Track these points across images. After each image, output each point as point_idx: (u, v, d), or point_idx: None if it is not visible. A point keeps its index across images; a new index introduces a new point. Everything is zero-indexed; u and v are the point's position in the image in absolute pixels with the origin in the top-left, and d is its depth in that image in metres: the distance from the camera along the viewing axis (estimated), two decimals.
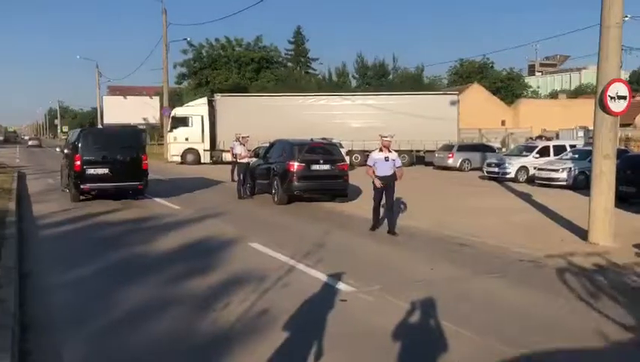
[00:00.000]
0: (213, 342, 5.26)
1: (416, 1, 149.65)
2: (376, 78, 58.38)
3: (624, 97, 9.73)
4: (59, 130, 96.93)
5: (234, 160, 18.22)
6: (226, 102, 33.40)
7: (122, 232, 11.20)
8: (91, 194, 15.52)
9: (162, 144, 41.71)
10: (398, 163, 11.15)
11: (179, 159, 33.36)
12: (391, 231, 10.76)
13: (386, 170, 10.88)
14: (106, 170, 15.06)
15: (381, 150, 11.05)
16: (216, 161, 32.69)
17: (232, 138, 23.40)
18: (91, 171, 14.94)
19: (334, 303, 6.42)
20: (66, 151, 17.06)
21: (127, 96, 61.05)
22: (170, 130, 34.28)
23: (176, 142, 33.73)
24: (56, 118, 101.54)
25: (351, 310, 6.25)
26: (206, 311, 6.10)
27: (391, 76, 59.44)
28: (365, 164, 33.03)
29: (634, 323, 5.82)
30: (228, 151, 26.28)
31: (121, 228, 11.57)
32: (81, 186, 15.00)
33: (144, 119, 57.63)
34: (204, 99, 35.45)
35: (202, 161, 33.17)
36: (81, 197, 15.27)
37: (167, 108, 37.51)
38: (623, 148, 21.58)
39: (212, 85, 51.51)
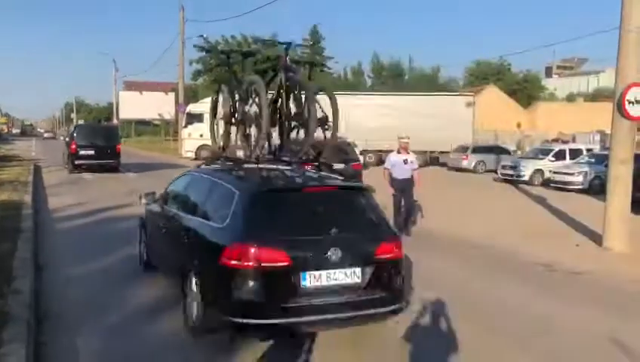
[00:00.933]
0: (222, 339, 5.29)
1: (434, 2, 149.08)
2: (391, 78, 58.26)
3: None
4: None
5: None
6: None
7: (136, 227, 11.26)
8: (82, 167, 22.45)
9: (177, 140, 41.93)
10: (415, 165, 10.89)
11: (193, 155, 33.52)
12: (407, 233, 10.57)
13: (404, 173, 10.68)
14: (92, 152, 22.63)
15: (399, 152, 10.87)
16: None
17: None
18: (82, 152, 22.55)
19: None
20: (67, 139, 25.83)
21: (143, 92, 61.43)
22: (185, 126, 34.43)
23: (191, 138, 33.86)
24: (72, 112, 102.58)
25: None
26: None
27: (406, 76, 59.28)
28: (379, 164, 32.76)
29: None
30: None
31: (135, 223, 11.63)
32: (75, 162, 22.56)
33: (159, 115, 57.96)
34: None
35: None
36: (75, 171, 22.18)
37: (182, 104, 37.68)
38: None
39: None
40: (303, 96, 6.49)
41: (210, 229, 5.35)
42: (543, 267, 8.57)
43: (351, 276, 4.96)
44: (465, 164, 28.21)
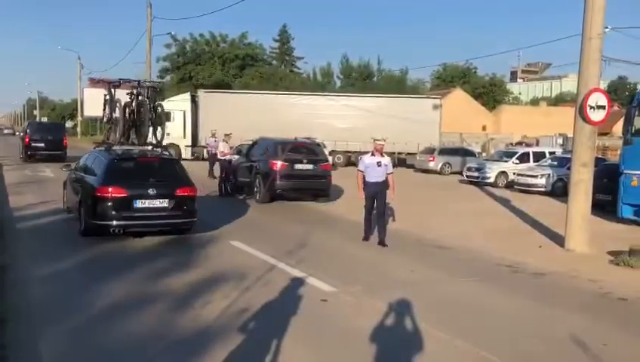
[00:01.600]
0: (192, 339, 5.26)
1: (402, 4, 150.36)
2: (360, 79, 58.50)
3: (603, 107, 9.91)
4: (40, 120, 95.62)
5: (213, 157, 19.85)
6: (209, 99, 33.20)
7: None
8: (35, 157, 27.37)
9: None
10: (390, 169, 10.28)
11: None
12: (381, 242, 9.98)
13: (377, 176, 10.08)
14: (42, 144, 28.10)
15: (373, 154, 10.22)
16: (198, 157, 32.50)
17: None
18: (34, 144, 28.10)
19: (315, 303, 6.46)
20: (21, 134, 31.78)
21: (139, 81, 60.18)
22: None
23: None
24: (35, 108, 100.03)
25: (331, 310, 6.30)
26: (185, 308, 6.09)
27: (375, 78, 59.63)
28: (348, 165, 32.87)
29: (603, 329, 5.95)
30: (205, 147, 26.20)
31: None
32: (29, 153, 27.93)
33: None
34: (187, 95, 35.20)
35: (183, 156, 32.92)
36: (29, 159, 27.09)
37: None
38: (600, 156, 21.95)
39: (195, 81, 51.19)
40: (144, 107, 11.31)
41: (92, 180, 9.88)
42: (507, 268, 8.74)
43: (162, 203, 9.59)
44: (431, 165, 28.55)
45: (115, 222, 9.27)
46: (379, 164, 10.11)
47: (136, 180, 9.64)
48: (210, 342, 5.15)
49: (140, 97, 11.55)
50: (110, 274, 7.40)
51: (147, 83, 12.19)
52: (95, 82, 15.77)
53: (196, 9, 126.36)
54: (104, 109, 12.53)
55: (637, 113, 13.28)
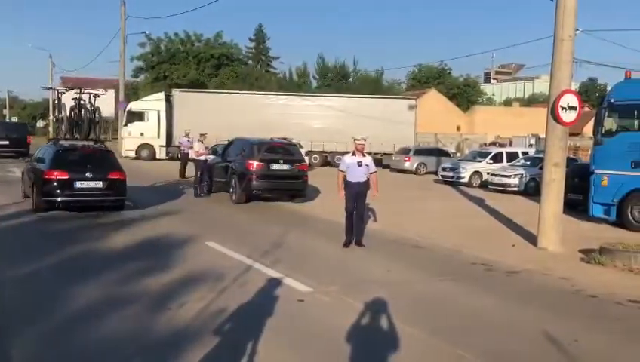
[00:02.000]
0: (168, 341, 5.21)
1: (378, 5, 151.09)
2: (336, 80, 58.64)
3: (574, 108, 10.10)
4: (7, 120, 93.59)
5: (186, 157, 21.16)
6: (183, 98, 32.92)
7: (73, 228, 10.95)
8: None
9: (117, 138, 40.78)
10: (373, 168, 10.07)
11: (133, 154, 32.67)
12: (358, 242, 9.85)
13: (359, 176, 9.82)
14: (7, 142, 30.59)
15: (354, 154, 9.96)
16: (172, 157, 32.17)
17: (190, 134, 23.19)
18: None
19: (291, 303, 6.46)
20: None
21: (81, 88, 59.29)
22: (125, 125, 33.50)
23: (131, 137, 33.01)
24: (5, 107, 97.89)
25: (308, 310, 6.31)
26: (161, 310, 6.03)
27: (351, 78, 59.83)
28: (324, 165, 32.86)
29: (574, 325, 6.07)
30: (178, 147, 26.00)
31: (71, 224, 11.30)
32: None
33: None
34: (162, 94, 34.85)
35: (157, 156, 32.63)
36: None
37: (123, 101, 36.71)
38: (572, 156, 22.37)
39: (170, 80, 50.69)
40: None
41: (42, 166, 12.41)
42: (482, 266, 8.85)
43: (97, 184, 12.13)
44: (407, 165, 28.76)
45: (59, 199, 11.88)
46: (360, 163, 9.86)
47: (77, 166, 12.18)
48: (186, 343, 5.11)
49: (81, 101, 14.58)
50: (85, 276, 7.30)
51: (87, 90, 14.97)
52: (64, 84, 18.69)
53: (171, 8, 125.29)
54: (53, 111, 16.90)
55: (607, 114, 13.57)
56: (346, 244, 9.81)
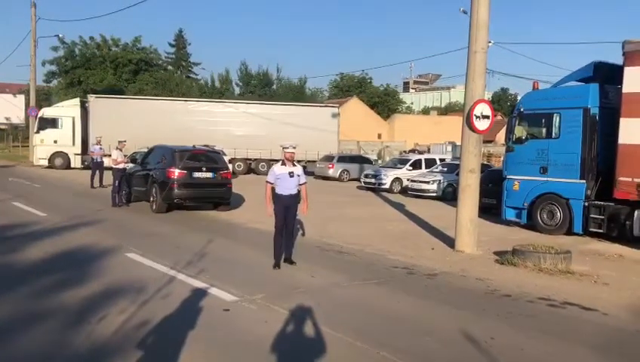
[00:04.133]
0: (87, 357, 5.00)
1: (298, 14, 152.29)
2: (260, 87, 58.57)
3: (487, 117, 10.64)
4: None
5: (97, 165, 21.04)
6: (100, 104, 31.70)
7: None
8: None
9: (27, 146, 38.65)
10: (303, 179, 9.17)
11: (46, 163, 31.09)
12: (288, 259, 9.05)
13: (290, 188, 8.91)
14: None
15: (284, 163, 9.02)
16: (88, 165, 30.89)
17: (106, 142, 22.37)
18: None
19: (217, 313, 6.38)
20: None
21: None
22: (37, 132, 31.81)
23: (44, 145, 31.38)
24: None
25: (234, 319, 6.25)
26: (80, 324, 5.77)
27: (275, 86, 59.94)
28: (248, 173, 32.63)
29: (490, 323, 6.38)
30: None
31: None
32: None
33: (7, 118, 53.06)
34: (76, 100, 33.42)
35: (72, 165, 31.23)
36: None
37: (34, 107, 34.95)
38: (486, 163, 23.51)
39: (85, 85, 48.77)
40: None
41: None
42: (403, 270, 9.12)
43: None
44: (331, 172, 29.14)
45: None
46: (291, 174, 8.93)
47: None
48: (106, 358, 4.93)
49: None
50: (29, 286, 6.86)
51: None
52: None
53: (86, 11, 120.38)
54: None
55: (517, 123, 14.38)
56: (277, 265, 8.85)
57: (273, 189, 9.00)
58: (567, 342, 5.95)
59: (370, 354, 5.30)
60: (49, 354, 5.07)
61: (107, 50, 52.25)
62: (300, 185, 9.10)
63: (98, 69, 50.68)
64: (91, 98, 32.41)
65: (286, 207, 8.92)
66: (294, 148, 9.06)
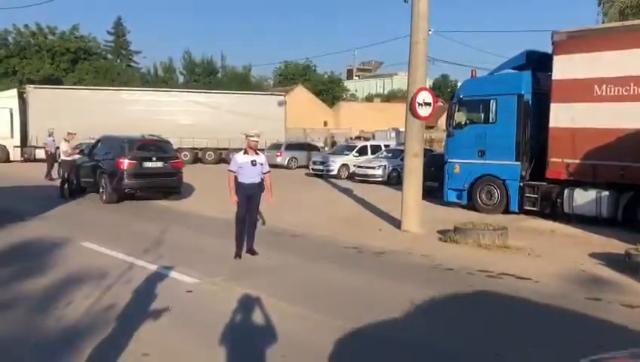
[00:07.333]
0: (59, 338, 5.22)
1: (241, 2, 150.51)
2: (204, 76, 57.94)
3: (429, 104, 11.24)
4: None
5: (51, 157, 20.55)
6: (39, 95, 30.85)
7: None
8: None
9: None
10: (267, 167, 9.10)
11: None
12: (250, 250, 8.93)
13: (253, 177, 8.82)
14: None
15: (246, 152, 8.87)
16: (28, 158, 30.06)
17: (46, 133, 21.99)
18: None
19: (181, 294, 6.69)
20: None
21: None
22: None
23: None
24: None
25: (198, 299, 6.58)
26: (48, 309, 5.96)
27: (220, 74, 59.43)
28: (195, 162, 32.39)
29: (434, 294, 6.96)
30: (42, 147, 24.49)
31: None
32: None
33: None
34: (14, 91, 32.35)
35: (12, 158, 30.29)
36: None
37: None
38: (428, 148, 24.38)
39: (21, 75, 47.06)
40: None
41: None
42: (353, 249, 9.64)
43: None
44: (279, 160, 29.43)
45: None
46: (253, 163, 8.81)
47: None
48: (78, 338, 5.16)
49: None
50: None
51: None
52: None
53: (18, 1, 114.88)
54: None
55: (457, 108, 15.13)
56: (238, 255, 8.75)
57: (236, 178, 8.82)
58: (503, 306, 6.61)
59: (326, 324, 5.74)
60: (20, 338, 5.26)
61: (43, 39, 50.47)
62: (264, 173, 9.03)
63: (34, 58, 48.95)
64: (29, 88, 31.47)
65: (249, 197, 8.81)
66: (259, 136, 8.97)
